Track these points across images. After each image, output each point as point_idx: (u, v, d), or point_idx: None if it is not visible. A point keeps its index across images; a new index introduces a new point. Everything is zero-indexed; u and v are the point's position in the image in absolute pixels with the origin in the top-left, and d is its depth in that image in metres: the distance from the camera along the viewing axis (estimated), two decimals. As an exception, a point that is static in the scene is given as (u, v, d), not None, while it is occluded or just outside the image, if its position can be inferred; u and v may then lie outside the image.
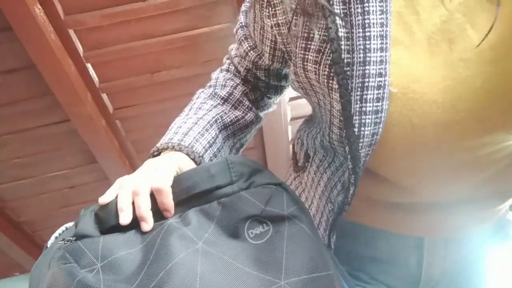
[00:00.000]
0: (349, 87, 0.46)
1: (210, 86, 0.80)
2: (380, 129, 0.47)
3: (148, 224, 0.51)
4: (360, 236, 0.75)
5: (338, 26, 0.45)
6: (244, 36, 0.70)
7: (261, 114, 0.83)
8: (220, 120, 0.71)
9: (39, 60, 1.57)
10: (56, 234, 0.56)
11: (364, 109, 0.46)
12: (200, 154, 0.65)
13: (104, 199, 0.56)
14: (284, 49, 0.59)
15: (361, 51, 0.45)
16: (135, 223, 0.52)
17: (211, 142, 0.68)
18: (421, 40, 0.45)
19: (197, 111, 0.73)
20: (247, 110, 0.76)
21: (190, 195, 0.54)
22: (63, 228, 0.57)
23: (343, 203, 0.61)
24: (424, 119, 0.46)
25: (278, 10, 0.54)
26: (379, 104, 0.46)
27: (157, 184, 0.53)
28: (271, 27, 0.58)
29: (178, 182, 0.55)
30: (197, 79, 1.91)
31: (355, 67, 0.45)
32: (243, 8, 0.71)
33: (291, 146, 0.95)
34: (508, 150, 0.52)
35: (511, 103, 0.45)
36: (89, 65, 1.74)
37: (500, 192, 0.63)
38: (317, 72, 0.51)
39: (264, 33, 0.61)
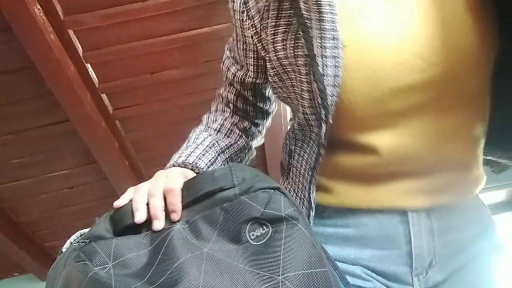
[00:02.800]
0: (310, 34, 0.59)
1: (202, 124, 0.91)
2: (340, 72, 0.59)
3: (160, 222, 0.57)
4: (350, 221, 0.78)
5: None
6: (231, 63, 0.83)
7: (251, 143, 0.93)
8: (216, 144, 0.81)
9: (39, 60, 1.57)
10: (71, 239, 0.59)
11: (324, 53, 0.59)
12: (204, 170, 0.75)
13: (118, 202, 0.61)
14: (264, 54, 0.72)
15: (316, 12, 0.59)
16: (145, 227, 0.58)
17: (212, 161, 0.78)
18: (368, 2, 0.60)
19: (195, 140, 0.82)
20: (238, 136, 0.86)
21: (196, 196, 0.58)
22: (77, 234, 0.60)
23: (318, 145, 0.68)
24: (380, 62, 0.59)
25: (256, 20, 0.68)
26: (336, 51, 0.58)
27: (169, 185, 0.60)
28: (252, 37, 0.71)
29: (186, 186, 0.61)
30: (196, 79, 1.91)
31: (312, 22, 0.59)
32: (226, 46, 0.85)
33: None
34: (456, 100, 0.63)
35: (447, 41, 0.57)
36: (88, 66, 1.74)
37: (463, 148, 0.70)
38: (285, 47, 0.64)
39: (247, 47, 0.74)
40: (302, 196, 0.78)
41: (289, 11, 0.63)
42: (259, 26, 0.69)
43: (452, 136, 0.67)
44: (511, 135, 0.72)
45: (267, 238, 0.52)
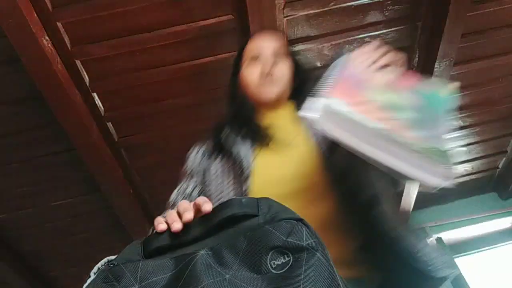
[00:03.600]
0: (236, 165, 0.99)
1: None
2: (251, 174, 0.95)
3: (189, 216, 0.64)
4: None
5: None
6: (179, 194, 1.06)
7: None
8: None
9: (46, 90, 1.59)
10: (99, 264, 0.62)
11: (244, 165, 0.98)
12: None
13: (162, 227, 0.63)
14: (206, 179, 1.05)
15: (238, 160, 1.00)
16: (171, 249, 0.61)
17: None
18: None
19: None
20: None
21: (223, 217, 0.61)
22: (105, 260, 0.62)
23: None
24: (269, 174, 0.97)
25: (206, 160, 1.08)
26: (249, 169, 0.96)
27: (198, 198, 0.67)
28: (203, 171, 1.06)
29: (214, 209, 0.63)
30: (201, 106, 1.92)
31: (236, 165, 0.99)
32: (173, 193, 1.08)
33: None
34: (314, 199, 0.93)
35: (303, 169, 0.96)
36: (95, 94, 1.76)
37: (336, 239, 0.89)
38: (218, 170, 1.02)
39: (197, 178, 1.07)
40: None
41: (223, 157, 1.03)
42: (206, 163, 1.06)
43: (322, 224, 0.84)
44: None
45: (288, 267, 0.53)
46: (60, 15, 1.50)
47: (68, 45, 1.58)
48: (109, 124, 1.89)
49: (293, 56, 1.13)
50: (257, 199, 0.63)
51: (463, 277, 2.43)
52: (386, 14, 1.75)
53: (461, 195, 2.83)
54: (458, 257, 2.70)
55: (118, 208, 2.22)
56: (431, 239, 2.66)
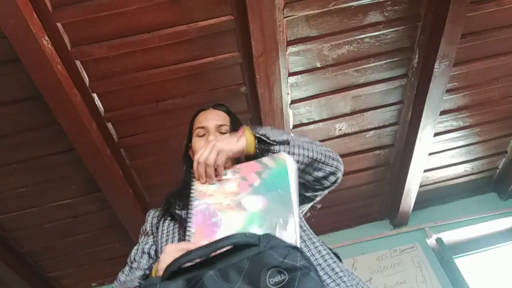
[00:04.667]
0: (181, 226, 1.11)
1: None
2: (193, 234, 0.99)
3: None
4: None
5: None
6: (140, 253, 1.16)
7: None
8: None
9: (46, 90, 1.59)
10: None
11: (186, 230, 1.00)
12: None
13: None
14: (156, 235, 1.19)
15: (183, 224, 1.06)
16: (184, 273, 0.72)
17: None
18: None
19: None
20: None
21: (229, 243, 0.72)
22: None
23: None
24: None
25: (158, 221, 1.21)
26: (190, 231, 0.96)
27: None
28: (156, 230, 1.18)
29: (222, 238, 0.72)
30: (201, 107, 1.91)
31: (182, 224, 1.09)
32: (131, 255, 1.17)
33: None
34: None
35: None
36: (94, 95, 1.76)
37: None
38: (168, 230, 1.14)
39: (151, 234, 1.20)
40: None
41: (171, 221, 1.15)
42: (155, 222, 1.21)
43: None
44: None
45: (283, 283, 0.63)
46: (60, 15, 1.50)
47: (68, 46, 1.58)
48: (109, 124, 1.90)
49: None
50: (259, 235, 0.73)
51: (463, 277, 2.43)
52: (386, 14, 1.75)
53: (461, 195, 2.83)
54: (458, 257, 2.70)
55: (118, 208, 2.22)
56: (431, 239, 2.66)
